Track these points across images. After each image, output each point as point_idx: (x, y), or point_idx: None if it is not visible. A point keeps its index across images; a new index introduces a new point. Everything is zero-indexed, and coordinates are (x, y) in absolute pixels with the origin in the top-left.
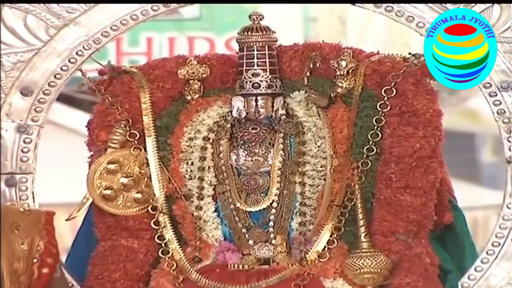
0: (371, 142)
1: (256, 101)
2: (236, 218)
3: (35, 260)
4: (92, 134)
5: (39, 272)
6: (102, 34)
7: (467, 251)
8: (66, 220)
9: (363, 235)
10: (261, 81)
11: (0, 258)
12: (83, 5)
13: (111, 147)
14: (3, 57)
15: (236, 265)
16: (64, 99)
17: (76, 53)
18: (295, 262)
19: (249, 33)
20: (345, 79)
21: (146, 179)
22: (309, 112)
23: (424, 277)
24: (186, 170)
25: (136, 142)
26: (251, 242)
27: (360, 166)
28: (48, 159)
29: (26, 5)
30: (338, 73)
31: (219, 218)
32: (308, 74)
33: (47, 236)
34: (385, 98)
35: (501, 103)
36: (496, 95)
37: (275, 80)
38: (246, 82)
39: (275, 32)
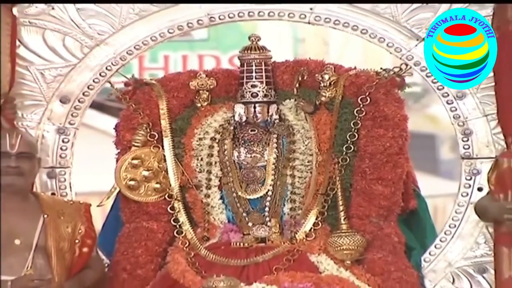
0: (349, 141)
1: (255, 108)
2: (238, 204)
3: (77, 241)
4: (119, 135)
5: (80, 251)
6: (127, 53)
7: (428, 232)
8: (97, 206)
9: (342, 218)
10: (259, 91)
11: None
12: (111, 28)
13: (135, 145)
14: (44, 72)
15: (238, 243)
16: (96, 106)
17: (106, 68)
18: (286, 240)
19: (249, 51)
20: (328, 89)
21: (163, 172)
22: (298, 117)
23: (392, 253)
24: (197, 165)
25: (155, 141)
26: (250, 224)
27: (340, 161)
28: (82, 156)
29: (65, 28)
30: (322, 84)
31: (224, 204)
32: (297, 85)
33: (87, 222)
34: (361, 105)
35: (456, 109)
36: (453, 103)
37: (270, 91)
38: (246, 92)
39: (270, 51)
